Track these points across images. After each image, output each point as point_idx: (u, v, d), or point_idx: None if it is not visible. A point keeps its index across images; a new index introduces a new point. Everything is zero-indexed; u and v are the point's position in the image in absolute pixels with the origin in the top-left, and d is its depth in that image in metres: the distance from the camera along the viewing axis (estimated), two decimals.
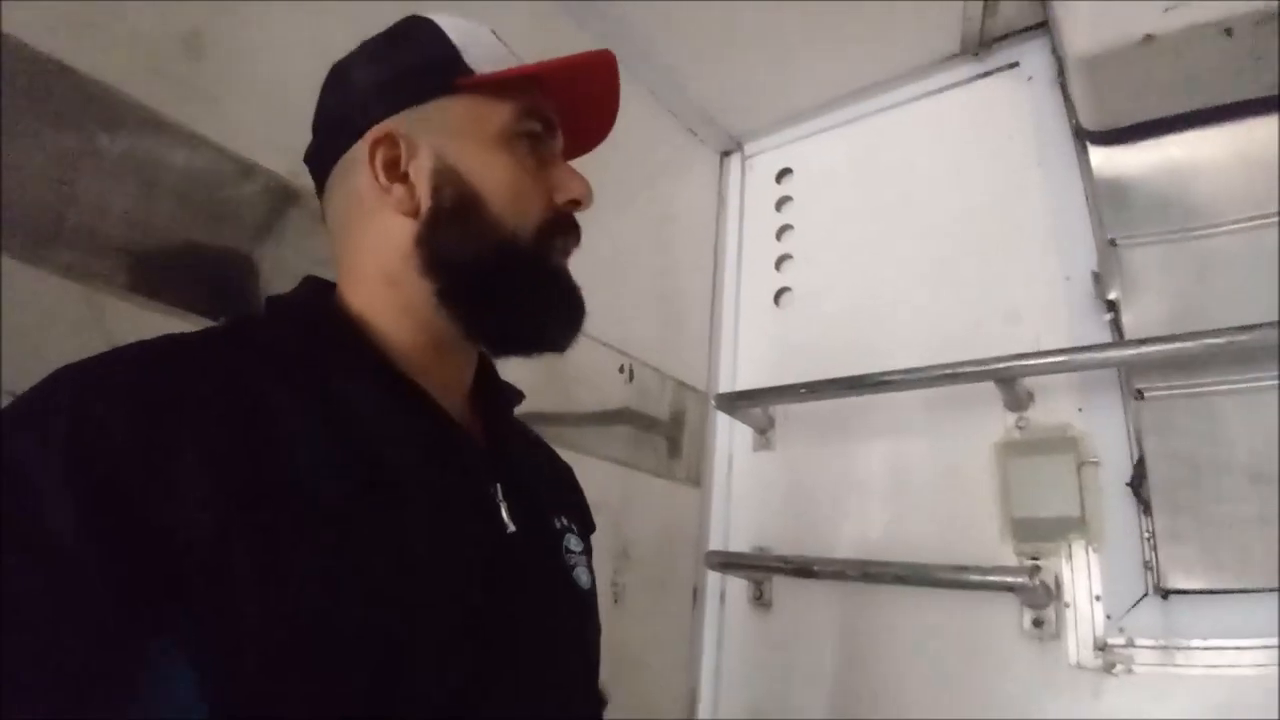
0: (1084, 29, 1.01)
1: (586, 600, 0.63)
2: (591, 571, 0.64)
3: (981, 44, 1.38)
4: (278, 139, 0.81)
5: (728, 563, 1.32)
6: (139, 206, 0.73)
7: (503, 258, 0.54)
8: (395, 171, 0.55)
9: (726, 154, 1.70)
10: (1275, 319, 0.88)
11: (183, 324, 0.71)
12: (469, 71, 0.56)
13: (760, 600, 1.32)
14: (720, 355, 1.54)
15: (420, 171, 0.55)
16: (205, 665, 0.39)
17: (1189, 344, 0.94)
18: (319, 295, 0.58)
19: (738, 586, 1.35)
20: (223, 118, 0.80)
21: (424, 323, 0.55)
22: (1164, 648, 0.93)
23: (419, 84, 0.56)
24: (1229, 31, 0.91)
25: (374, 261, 0.56)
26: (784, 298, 1.52)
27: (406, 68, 0.57)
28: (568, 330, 0.58)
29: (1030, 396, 1.15)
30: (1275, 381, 0.92)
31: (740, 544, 1.37)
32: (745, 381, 1.47)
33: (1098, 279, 1.12)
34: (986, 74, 1.39)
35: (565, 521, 0.64)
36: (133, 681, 0.37)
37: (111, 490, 0.38)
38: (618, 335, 1.28)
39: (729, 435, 1.46)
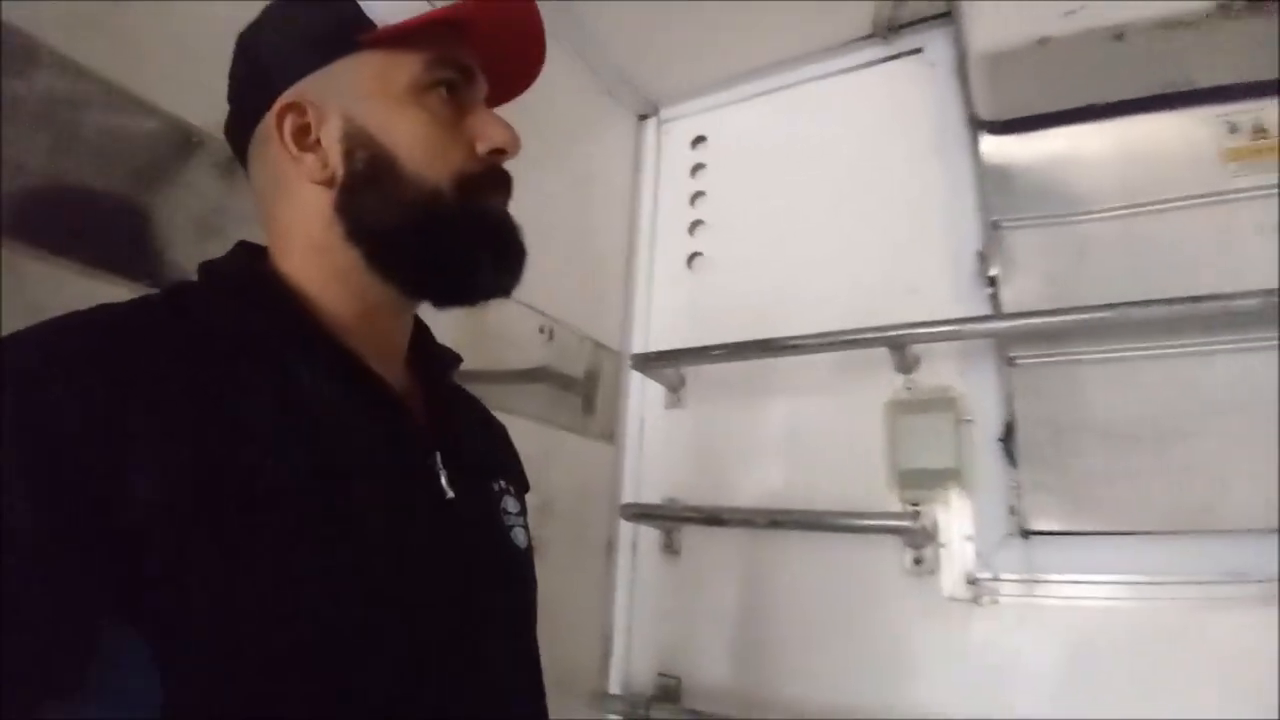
0: (986, 27, 1.10)
1: (523, 561, 0.64)
2: (528, 531, 0.66)
3: (890, 28, 1.46)
4: (194, 87, 0.76)
5: (642, 514, 1.38)
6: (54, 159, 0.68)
7: (426, 216, 0.53)
8: (305, 139, 0.54)
9: (643, 118, 1.72)
10: (1138, 299, 1.01)
11: (97, 285, 0.68)
12: (371, 26, 0.54)
13: (670, 549, 1.40)
14: (635, 316, 1.59)
15: (330, 137, 0.53)
16: (163, 652, 0.39)
17: (1055, 319, 1.08)
18: (253, 262, 0.56)
19: (649, 537, 1.43)
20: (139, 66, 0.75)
21: (358, 289, 0.55)
22: (1025, 581, 1.08)
23: (322, 46, 0.54)
24: (1120, 36, 1.01)
25: (300, 232, 0.55)
26: (696, 262, 1.57)
27: (308, 30, 0.55)
28: (505, 275, 0.58)
29: (917, 361, 1.26)
30: (1133, 353, 1.07)
31: (652, 496, 1.44)
32: (659, 342, 1.52)
33: (981, 257, 1.24)
34: (893, 57, 1.47)
35: (503, 484, 0.65)
36: (87, 671, 0.37)
37: (68, 481, 0.38)
38: (539, 296, 1.30)
39: (641, 393, 1.51)
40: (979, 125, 1.28)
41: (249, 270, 0.55)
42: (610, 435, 1.50)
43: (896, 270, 1.33)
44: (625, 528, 1.45)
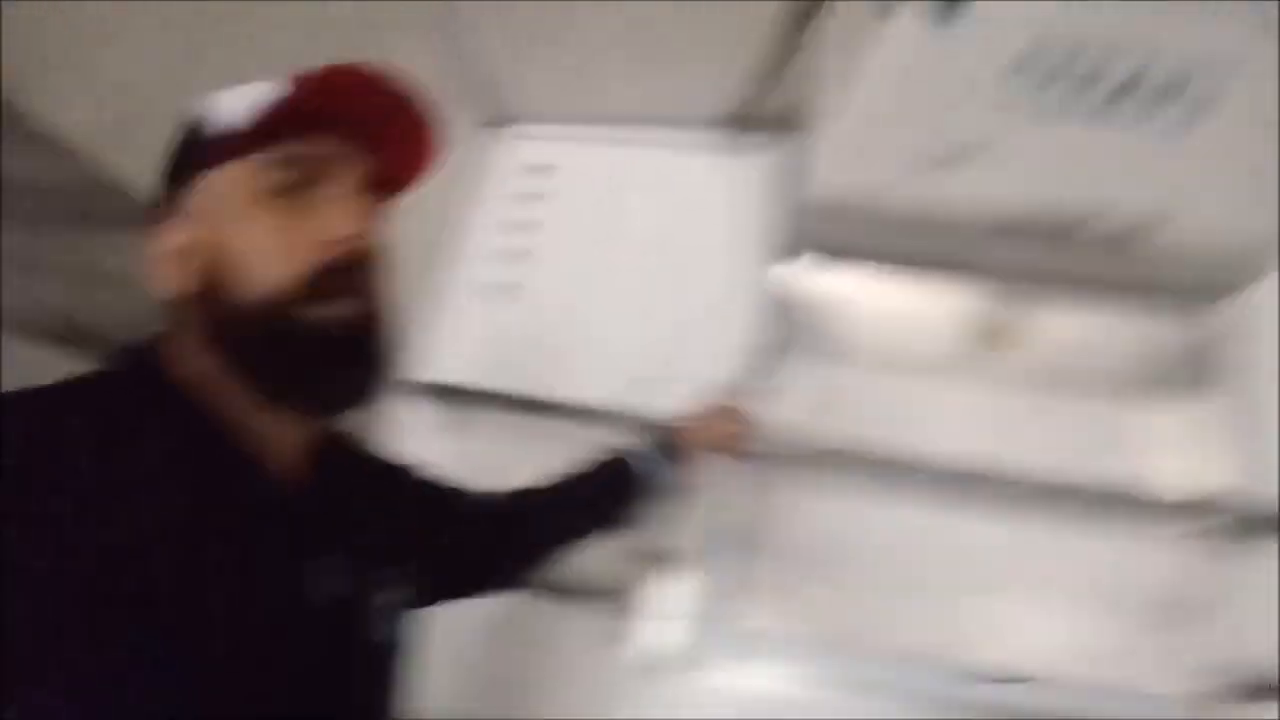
0: (826, 174, 1.22)
1: (392, 658, 0.66)
2: (405, 626, 0.67)
3: (745, 123, 1.56)
4: None
5: None
6: None
7: (261, 330, 0.54)
8: (170, 255, 0.56)
9: (491, 125, 1.66)
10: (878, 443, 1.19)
11: None
12: (214, 141, 0.57)
13: None
14: (427, 335, 1.52)
15: (187, 252, 0.56)
16: None
17: (797, 449, 1.24)
18: (152, 356, 0.57)
19: None
20: None
21: (234, 392, 0.56)
22: (706, 664, 1.21)
23: (183, 166, 0.58)
24: (919, 218, 1.17)
25: (182, 333, 0.57)
26: (507, 292, 1.55)
27: (176, 153, 0.59)
28: (348, 387, 0.57)
29: None
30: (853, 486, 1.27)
31: None
32: (445, 368, 1.47)
33: (751, 365, 1.38)
34: (735, 149, 1.57)
35: (374, 575, 0.65)
36: None
37: None
38: None
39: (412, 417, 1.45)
40: (783, 246, 1.43)
41: (148, 364, 0.56)
42: None
43: (678, 356, 1.42)
44: None
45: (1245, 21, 0.91)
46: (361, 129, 0.59)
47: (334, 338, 0.55)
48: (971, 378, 1.32)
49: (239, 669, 0.49)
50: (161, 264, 0.56)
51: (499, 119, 1.66)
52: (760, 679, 1.20)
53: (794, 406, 1.35)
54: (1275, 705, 1.04)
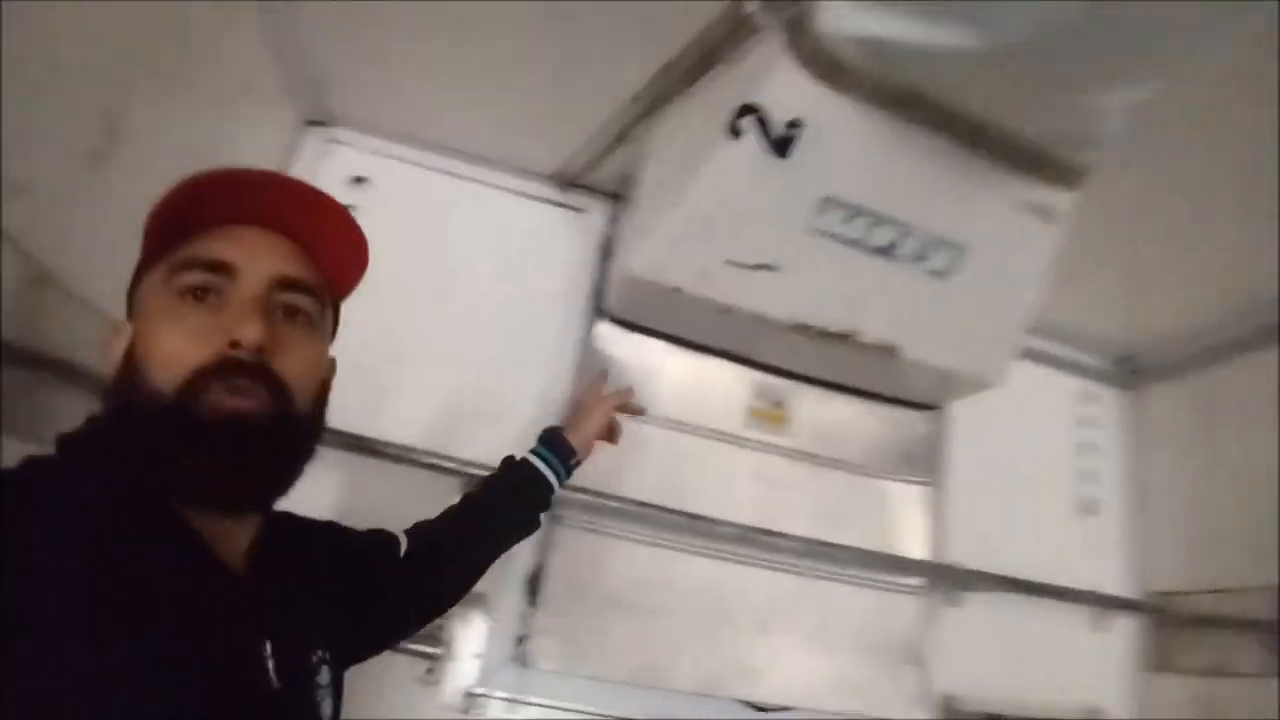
0: (639, 256, 1.32)
1: None
2: (337, 695, 0.70)
3: (570, 182, 1.63)
4: None
5: None
6: None
7: (143, 421, 0.55)
8: (103, 345, 0.61)
9: (311, 124, 1.55)
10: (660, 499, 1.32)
11: None
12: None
13: None
14: None
15: (118, 349, 0.59)
16: None
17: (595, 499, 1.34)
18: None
19: None
20: None
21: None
22: (512, 701, 1.31)
23: (136, 268, 0.62)
24: (726, 311, 1.31)
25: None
26: None
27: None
28: (224, 478, 0.56)
29: None
30: (639, 539, 1.39)
31: None
32: None
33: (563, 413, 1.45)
34: (561, 205, 1.64)
35: (320, 653, 0.67)
36: None
37: None
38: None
39: None
40: (599, 307, 1.52)
41: (96, 450, 0.57)
42: None
43: (492, 395, 1.47)
44: None
45: (995, 207, 1.17)
46: (263, 219, 0.61)
47: (201, 428, 0.54)
48: (752, 447, 1.52)
49: None
50: (102, 353, 0.61)
51: (322, 118, 1.55)
52: (566, 714, 1.31)
53: (593, 457, 1.44)
54: None
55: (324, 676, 0.67)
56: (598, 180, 1.63)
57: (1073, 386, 1.95)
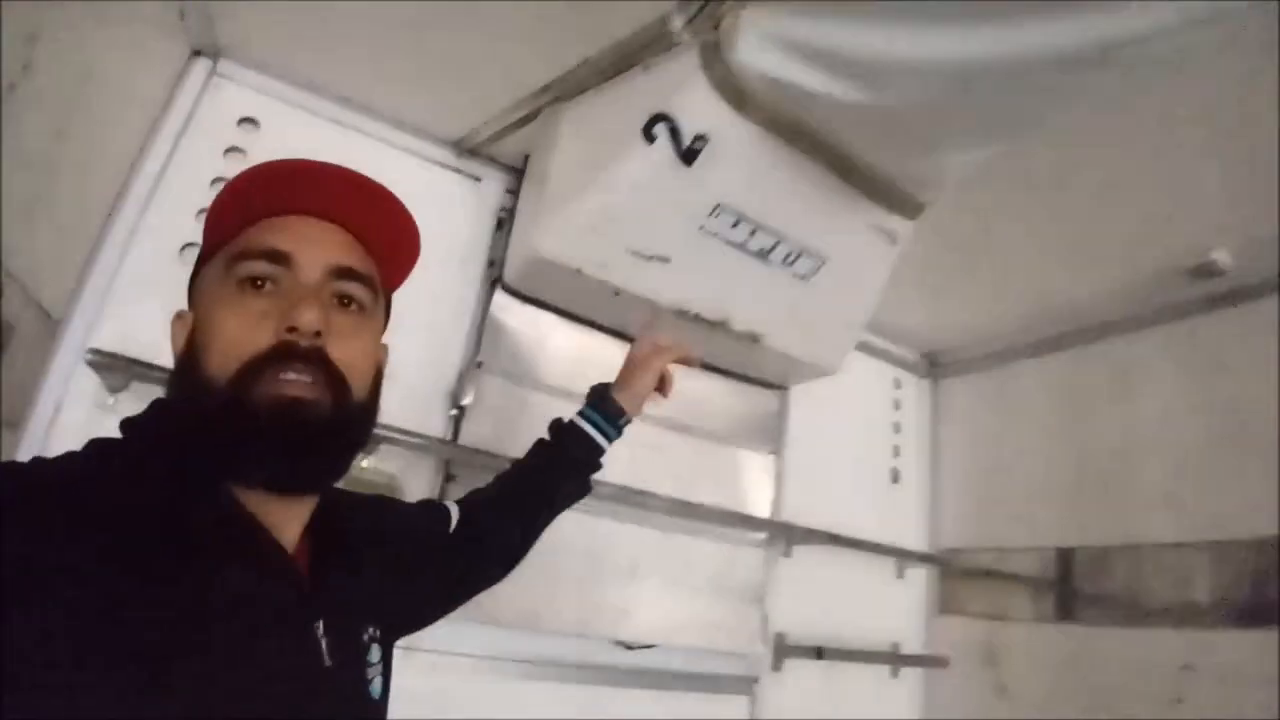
0: (546, 238, 1.40)
1: (379, 710, 0.69)
2: (386, 674, 0.71)
3: (469, 150, 1.66)
4: None
5: None
6: None
7: (202, 407, 0.57)
8: (171, 330, 0.64)
9: (198, 54, 1.45)
10: None
11: None
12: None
13: None
14: (108, 295, 1.30)
15: (182, 334, 0.62)
16: None
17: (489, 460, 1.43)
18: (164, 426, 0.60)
19: None
20: None
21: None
22: (407, 650, 1.30)
23: (198, 259, 0.66)
24: (617, 293, 1.43)
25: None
26: (189, 253, 1.40)
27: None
28: (282, 462, 0.57)
29: (377, 445, 1.45)
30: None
31: None
32: (120, 335, 1.27)
33: (458, 383, 1.52)
34: (457, 170, 1.67)
35: (371, 631, 0.69)
36: None
37: None
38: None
39: (70, 381, 1.25)
40: (496, 278, 1.59)
41: (156, 435, 0.59)
42: (13, 423, 1.19)
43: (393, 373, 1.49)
44: None
45: (853, 226, 1.39)
46: (319, 209, 0.63)
47: (254, 414, 0.56)
48: None
49: None
50: (171, 338, 0.63)
51: (210, 49, 1.46)
52: (456, 657, 1.43)
53: (483, 420, 1.53)
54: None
55: (374, 654, 0.69)
56: (497, 152, 1.67)
57: (889, 375, 2.32)
